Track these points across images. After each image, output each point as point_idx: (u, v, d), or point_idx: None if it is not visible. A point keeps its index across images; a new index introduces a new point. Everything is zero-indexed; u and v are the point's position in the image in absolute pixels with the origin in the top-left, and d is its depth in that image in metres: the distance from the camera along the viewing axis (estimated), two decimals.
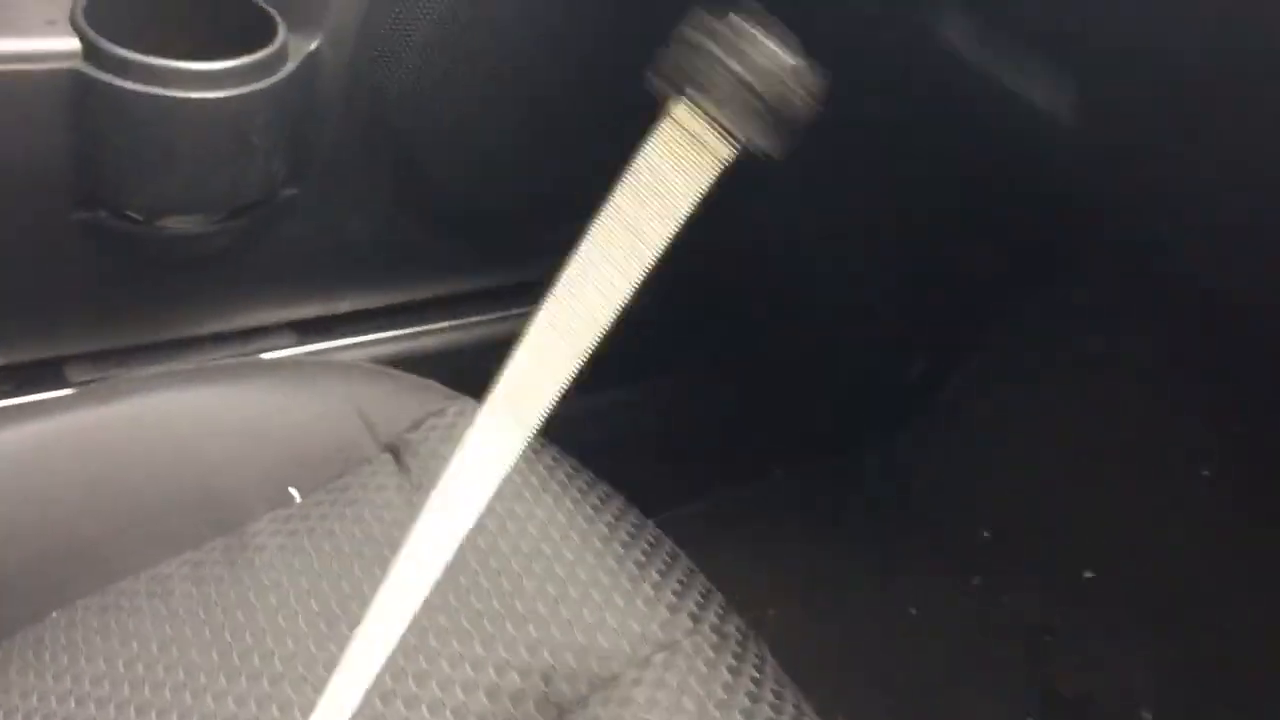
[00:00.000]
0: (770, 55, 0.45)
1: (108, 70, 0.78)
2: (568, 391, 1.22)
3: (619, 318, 1.20)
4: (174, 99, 0.79)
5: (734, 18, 0.45)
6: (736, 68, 0.44)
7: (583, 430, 1.23)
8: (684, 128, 0.46)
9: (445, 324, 1.08)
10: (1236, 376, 1.15)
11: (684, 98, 0.45)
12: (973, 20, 0.67)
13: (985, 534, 1.27)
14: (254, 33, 0.85)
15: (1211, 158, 0.56)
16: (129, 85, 0.78)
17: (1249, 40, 0.50)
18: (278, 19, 0.85)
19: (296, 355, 1.01)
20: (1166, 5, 0.54)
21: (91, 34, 0.78)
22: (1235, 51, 0.51)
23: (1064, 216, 1.07)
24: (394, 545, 0.70)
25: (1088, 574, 1.20)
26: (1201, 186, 0.59)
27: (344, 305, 1.03)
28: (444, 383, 0.82)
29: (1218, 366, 1.18)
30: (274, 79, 0.83)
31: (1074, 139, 0.63)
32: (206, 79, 0.80)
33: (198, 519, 0.73)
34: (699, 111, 0.45)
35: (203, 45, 0.83)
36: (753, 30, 0.45)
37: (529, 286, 1.10)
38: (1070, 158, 0.68)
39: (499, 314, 1.10)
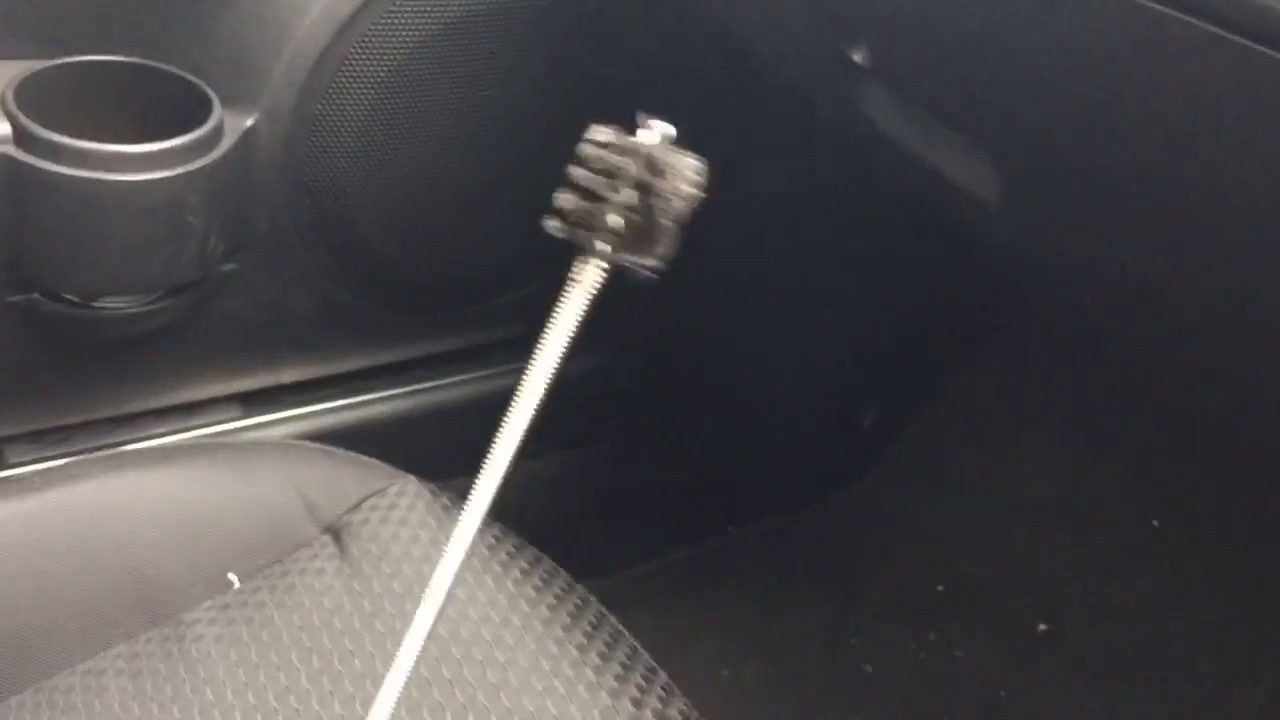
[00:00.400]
0: (671, 175, 0.45)
1: (39, 155, 0.78)
2: (520, 457, 1.22)
3: (570, 385, 1.19)
4: (107, 182, 0.79)
5: (620, 137, 0.46)
6: (637, 205, 0.44)
7: (534, 495, 1.22)
8: (591, 280, 0.47)
9: (392, 392, 1.07)
10: (1182, 428, 1.16)
11: (592, 258, 0.46)
12: (892, 99, 0.67)
13: (940, 588, 1.27)
14: (190, 110, 0.84)
15: (1130, 235, 0.57)
16: (61, 170, 0.78)
17: (1154, 125, 0.51)
18: (213, 97, 0.85)
19: (240, 429, 1.00)
20: (1075, 91, 0.54)
21: (22, 119, 0.78)
22: (1141, 134, 0.52)
23: (1001, 282, 1.07)
24: (331, 632, 0.70)
25: (1042, 627, 1.20)
26: (1122, 262, 0.59)
27: (288, 376, 1.02)
28: (394, 451, 0.82)
29: (1162, 418, 1.18)
30: (210, 158, 0.83)
31: (1000, 218, 0.63)
32: (140, 161, 0.80)
33: (133, 609, 0.72)
34: (606, 263, 0.46)
35: (138, 124, 0.83)
36: (648, 151, 0.45)
37: (474, 352, 1.09)
38: (998, 235, 0.69)
39: (447, 380, 1.09)
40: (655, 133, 0.46)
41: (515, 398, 0.48)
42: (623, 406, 1.25)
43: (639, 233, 0.45)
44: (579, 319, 0.47)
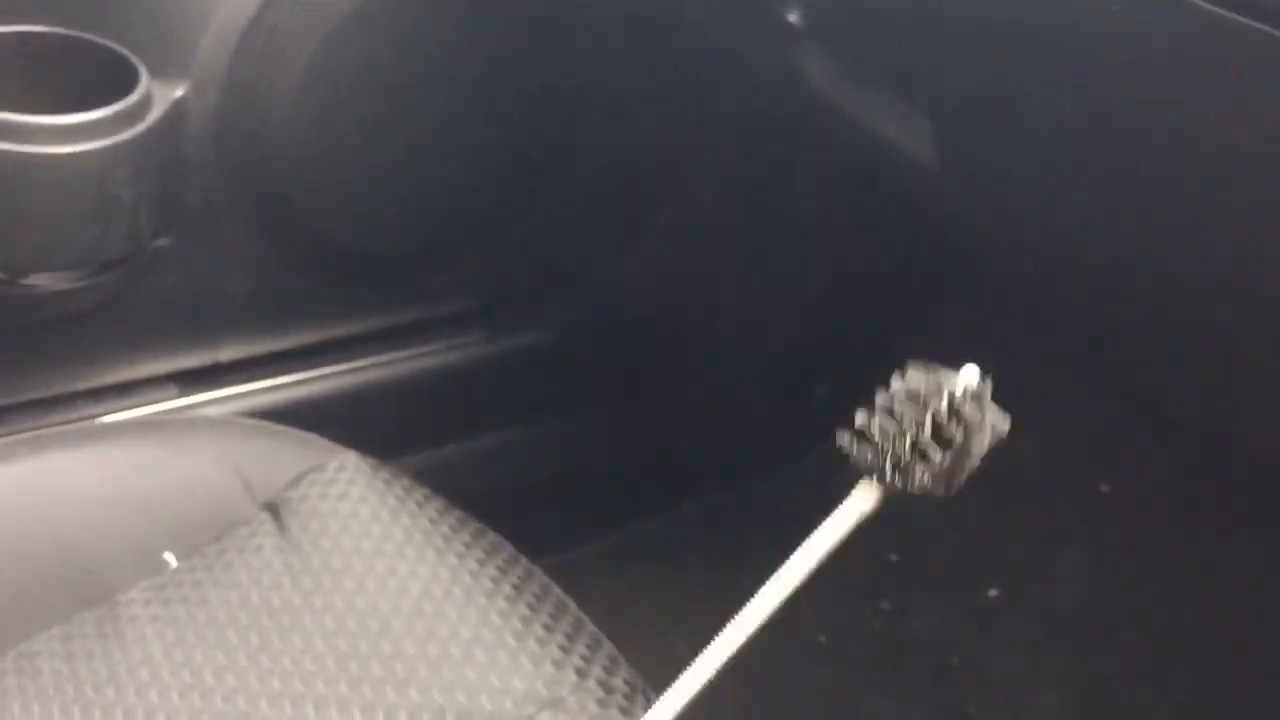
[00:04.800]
0: (977, 430, 0.45)
1: None
2: (470, 433, 1.21)
3: (518, 360, 1.18)
4: (30, 155, 0.77)
5: (934, 380, 0.46)
6: (934, 445, 0.45)
7: (486, 471, 1.21)
8: (863, 506, 0.48)
9: (333, 369, 1.05)
10: (1130, 394, 1.16)
11: (876, 483, 0.47)
12: (829, 61, 0.67)
13: (892, 557, 1.27)
14: (117, 81, 0.82)
15: (1067, 197, 0.57)
16: None
17: (1083, 82, 0.51)
18: (140, 67, 0.83)
19: (178, 408, 0.98)
20: (1006, 50, 0.54)
21: None
22: (1072, 88, 0.52)
23: (948, 247, 1.07)
24: (270, 610, 0.68)
25: (992, 593, 1.20)
26: (1062, 225, 0.59)
27: (226, 355, 1.00)
28: (336, 428, 0.80)
29: (1109, 383, 1.19)
30: (137, 130, 0.81)
31: (939, 181, 0.63)
32: (64, 133, 0.78)
33: (66, 591, 0.70)
34: (887, 491, 0.47)
35: (63, 95, 0.81)
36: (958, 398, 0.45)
37: (414, 327, 1.08)
38: (939, 199, 0.68)
39: (389, 356, 1.08)
40: (969, 378, 0.46)
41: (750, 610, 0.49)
42: (571, 383, 1.24)
43: (927, 465, 0.46)
44: (843, 536, 0.48)
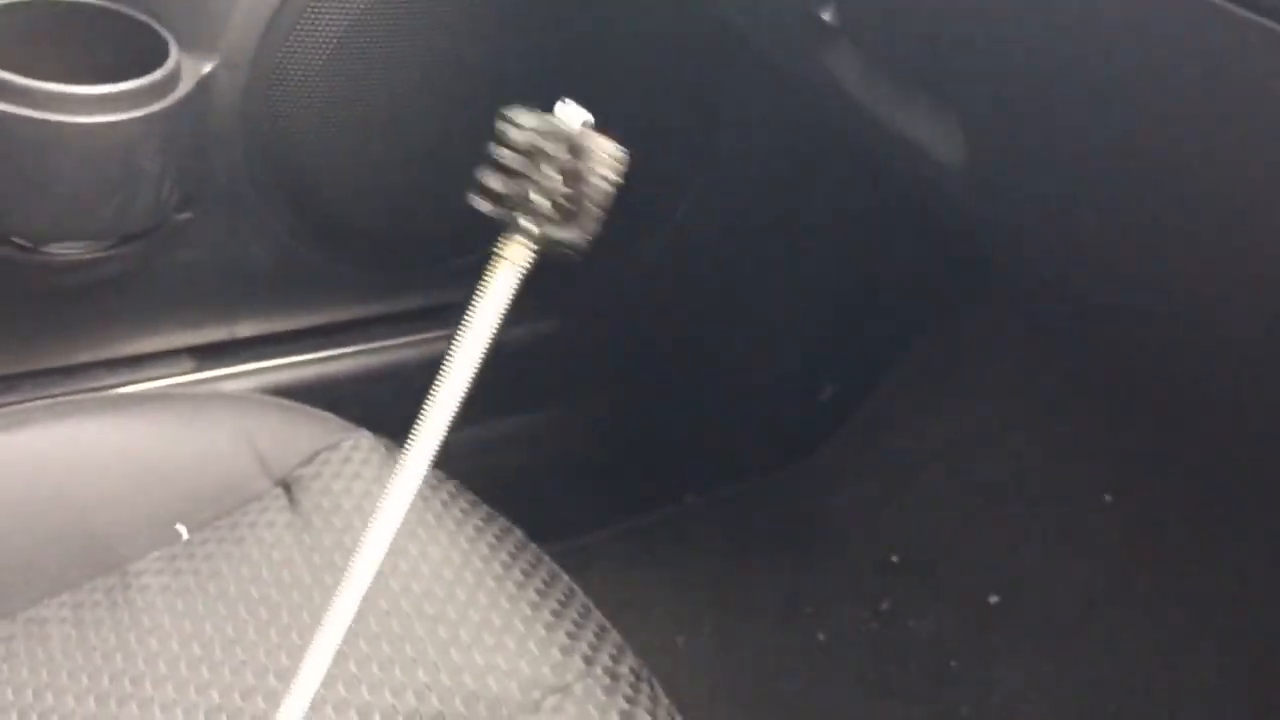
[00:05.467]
0: (594, 160, 0.48)
1: None
2: (480, 418, 1.21)
3: (531, 347, 1.19)
4: (59, 124, 0.77)
5: (544, 122, 0.48)
6: (561, 187, 0.47)
7: (494, 458, 1.22)
8: (520, 257, 0.49)
9: (349, 349, 1.06)
10: (1134, 403, 1.16)
11: (518, 236, 0.48)
12: (860, 60, 0.67)
13: (894, 558, 1.28)
14: (146, 54, 0.82)
15: (1091, 200, 0.57)
16: (12, 110, 0.76)
17: (1119, 86, 0.51)
18: (171, 41, 0.83)
19: (193, 382, 0.98)
20: (1041, 52, 0.54)
21: None
22: (1106, 96, 0.52)
23: (965, 251, 1.07)
24: (281, 585, 0.69)
25: (994, 599, 1.21)
26: (1083, 227, 0.59)
27: (243, 331, 1.00)
28: (348, 409, 0.81)
29: (1116, 394, 1.19)
30: (165, 103, 0.81)
31: (963, 181, 0.63)
32: (94, 103, 0.78)
33: (78, 559, 0.71)
34: (532, 242, 0.49)
35: (94, 67, 0.81)
36: (565, 131, 0.47)
37: (432, 311, 1.08)
38: (961, 198, 0.68)
39: (403, 339, 1.08)
40: (575, 117, 0.48)
41: (445, 372, 0.51)
42: (582, 372, 1.24)
43: (563, 213, 0.48)
44: (511, 293, 0.49)
